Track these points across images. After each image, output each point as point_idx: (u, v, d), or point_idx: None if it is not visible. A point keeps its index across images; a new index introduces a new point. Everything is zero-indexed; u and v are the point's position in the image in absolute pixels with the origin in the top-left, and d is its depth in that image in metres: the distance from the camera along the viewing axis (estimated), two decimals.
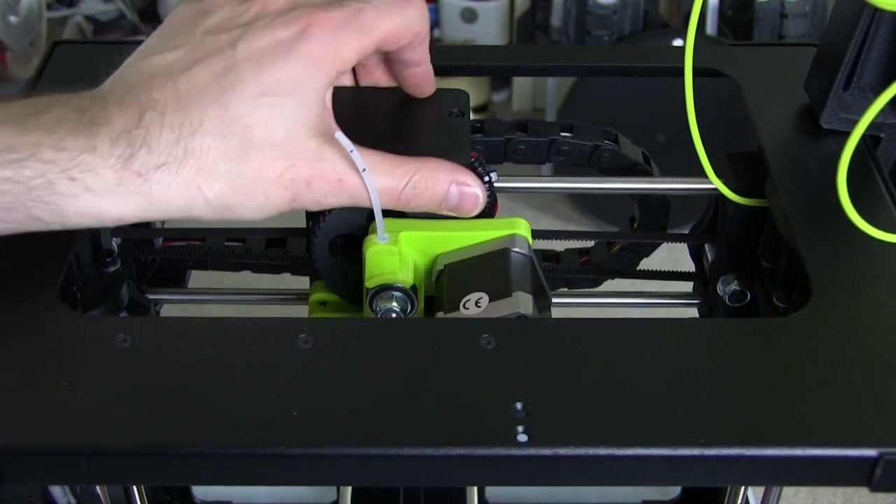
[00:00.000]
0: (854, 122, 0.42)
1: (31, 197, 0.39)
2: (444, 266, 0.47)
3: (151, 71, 0.42)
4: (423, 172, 0.45)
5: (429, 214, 0.47)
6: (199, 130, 0.41)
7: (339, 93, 0.51)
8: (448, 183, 0.45)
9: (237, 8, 0.44)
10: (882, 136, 0.51)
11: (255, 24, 0.43)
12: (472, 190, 0.46)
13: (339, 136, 0.43)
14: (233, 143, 0.41)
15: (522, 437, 0.36)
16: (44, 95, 0.41)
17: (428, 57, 0.49)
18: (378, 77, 0.51)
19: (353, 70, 0.51)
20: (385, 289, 0.46)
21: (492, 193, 0.50)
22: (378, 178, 0.44)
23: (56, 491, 0.55)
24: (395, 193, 0.44)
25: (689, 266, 0.59)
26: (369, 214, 0.46)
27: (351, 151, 0.43)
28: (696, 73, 0.47)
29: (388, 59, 0.50)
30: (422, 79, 0.50)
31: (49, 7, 1.64)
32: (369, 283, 0.46)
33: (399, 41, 0.46)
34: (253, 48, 0.42)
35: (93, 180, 0.39)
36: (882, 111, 0.50)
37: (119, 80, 0.42)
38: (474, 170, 0.49)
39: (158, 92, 0.41)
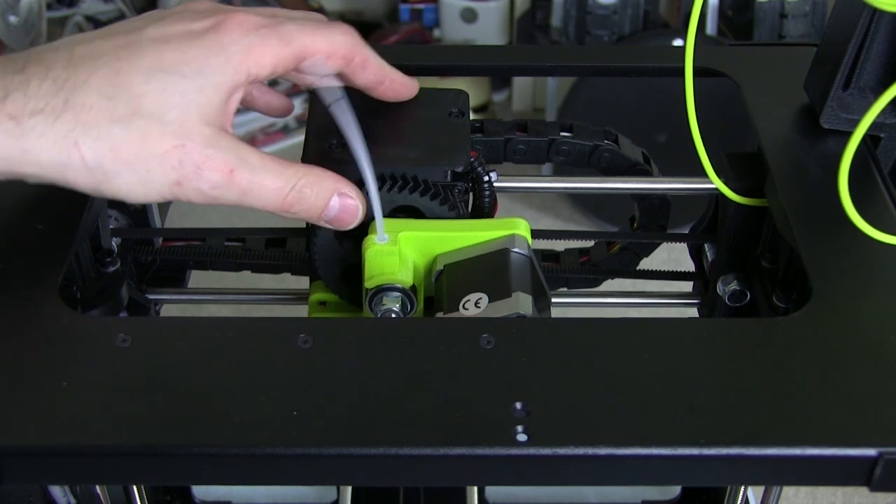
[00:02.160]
0: (854, 122, 0.42)
1: None
2: (444, 266, 0.47)
3: (57, 43, 0.42)
4: (310, 178, 0.44)
5: (414, 211, 0.47)
6: (84, 86, 0.40)
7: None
8: (332, 191, 0.45)
9: (163, 11, 0.44)
10: (882, 136, 0.51)
11: (171, 16, 0.43)
12: (353, 202, 0.45)
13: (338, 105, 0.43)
14: (119, 106, 0.40)
15: (522, 437, 0.36)
16: None
17: (384, 75, 0.48)
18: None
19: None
20: (385, 289, 0.46)
21: (491, 193, 0.50)
22: (267, 176, 0.43)
23: (56, 491, 0.55)
24: (281, 194, 0.43)
25: (689, 266, 0.59)
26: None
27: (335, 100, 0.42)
28: (696, 73, 0.47)
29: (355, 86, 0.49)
30: (393, 92, 0.50)
31: (49, 7, 1.64)
32: (369, 283, 0.46)
33: (325, 61, 0.45)
34: (162, 31, 0.42)
35: None
36: (882, 111, 0.50)
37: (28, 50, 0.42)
38: (474, 169, 0.49)
39: (52, 54, 0.41)
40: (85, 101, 0.40)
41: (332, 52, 0.45)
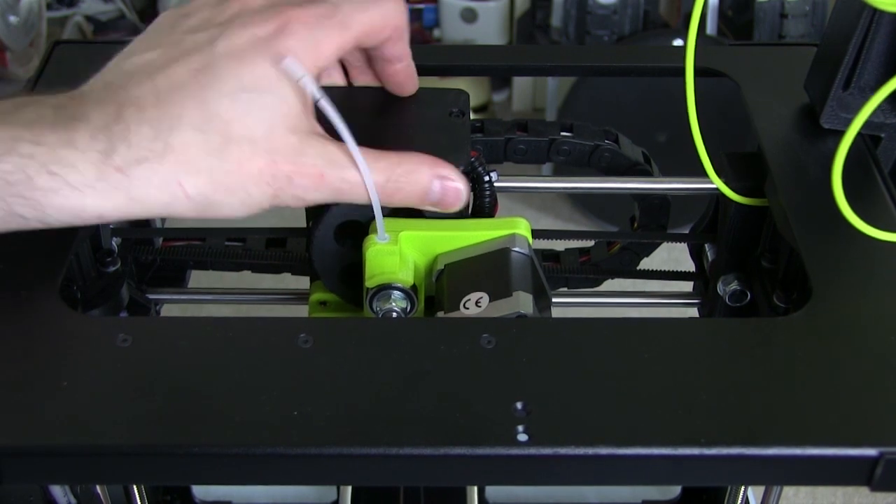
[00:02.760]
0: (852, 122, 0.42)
1: (10, 192, 0.39)
2: (445, 266, 0.47)
3: (130, 70, 0.42)
4: (404, 166, 0.44)
5: (414, 211, 0.47)
6: (179, 126, 0.40)
7: (339, 93, 0.51)
8: (430, 177, 0.45)
9: (215, 9, 0.44)
10: (882, 136, 0.51)
11: (234, 23, 0.43)
12: (454, 184, 0.45)
13: (323, 103, 0.43)
14: (212, 139, 0.41)
15: (523, 437, 0.36)
16: (23, 96, 0.41)
17: (409, 52, 0.49)
18: (369, 79, 0.51)
19: (346, 73, 0.51)
20: (385, 288, 0.46)
21: (492, 193, 0.50)
22: (358, 172, 0.43)
23: (56, 491, 0.55)
24: (378, 188, 0.44)
25: (689, 266, 0.59)
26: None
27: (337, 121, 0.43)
28: (696, 72, 0.47)
29: (370, 57, 0.49)
30: (404, 76, 0.50)
31: (49, 7, 1.64)
32: (369, 282, 0.46)
33: (378, 35, 0.46)
34: (231, 45, 0.42)
35: (72, 175, 0.39)
36: (881, 111, 0.50)
37: (98, 80, 0.42)
38: (474, 169, 0.49)
39: (137, 89, 0.41)
40: (182, 140, 0.40)
41: (384, 25, 0.46)
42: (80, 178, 0.39)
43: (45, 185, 0.39)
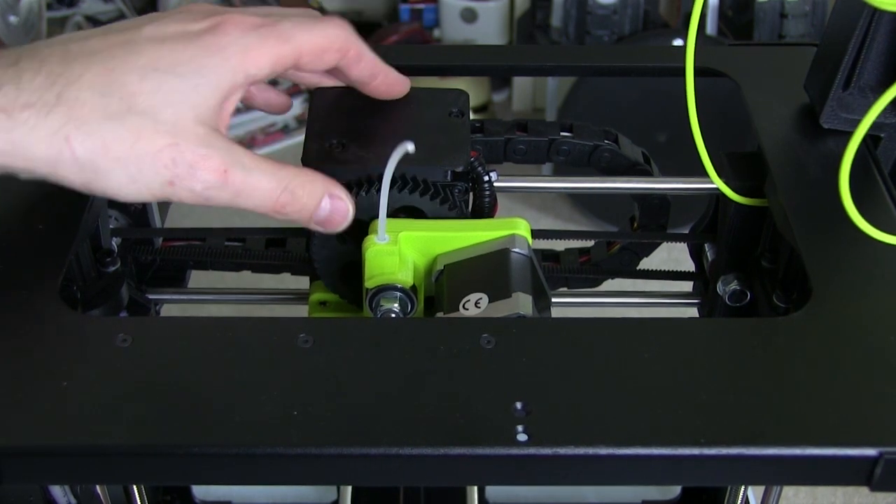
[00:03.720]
0: (854, 122, 0.42)
1: None
2: (444, 266, 0.47)
3: (53, 41, 0.41)
4: (301, 178, 0.44)
5: (414, 211, 0.47)
6: (78, 82, 0.39)
7: (339, 93, 0.51)
8: (323, 192, 0.44)
9: (166, 10, 0.44)
10: (882, 136, 0.51)
11: (170, 16, 0.43)
12: (343, 203, 0.45)
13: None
14: (112, 102, 0.40)
15: (522, 437, 0.36)
16: None
17: (378, 69, 0.48)
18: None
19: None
20: (385, 289, 0.46)
21: (491, 193, 0.50)
22: (261, 176, 0.42)
23: (56, 491, 0.55)
24: (273, 195, 0.43)
25: (689, 266, 0.59)
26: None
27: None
28: (696, 72, 0.47)
29: (348, 82, 0.49)
30: (385, 87, 0.49)
31: (49, 7, 1.64)
32: (369, 283, 0.46)
33: (323, 57, 0.45)
34: (158, 31, 0.42)
35: None
36: (882, 111, 0.50)
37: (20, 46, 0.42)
38: (474, 169, 0.49)
39: (46, 49, 0.40)
40: (78, 96, 0.39)
41: (328, 47, 0.45)
42: None
43: None
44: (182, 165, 0.40)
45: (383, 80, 0.49)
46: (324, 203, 0.44)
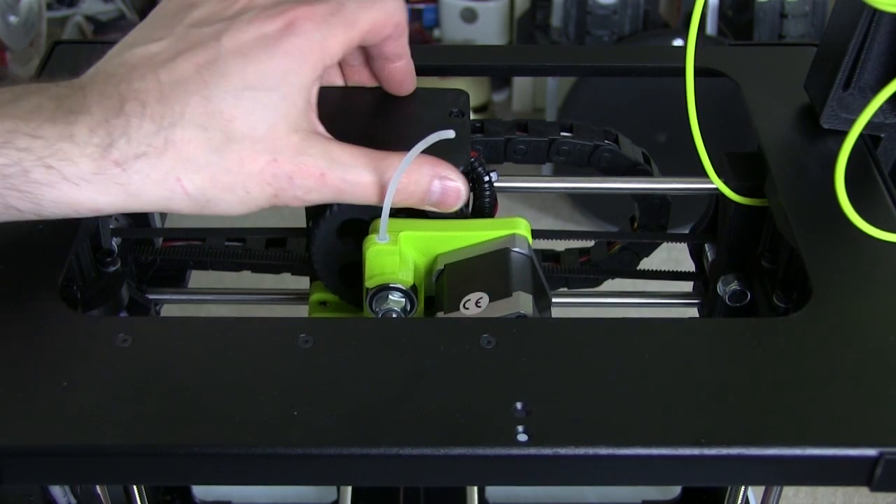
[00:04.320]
0: (854, 122, 0.42)
1: (6, 185, 0.39)
2: (444, 266, 0.47)
3: (134, 62, 0.42)
4: (405, 168, 0.44)
5: (414, 211, 0.47)
6: (181, 122, 0.40)
7: (339, 93, 0.51)
8: (430, 177, 0.45)
9: (222, 2, 0.44)
10: (882, 136, 0.51)
11: (241, 18, 0.42)
12: (454, 184, 0.45)
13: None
14: (214, 136, 0.41)
15: (523, 437, 0.36)
16: (22, 84, 0.40)
17: (408, 50, 0.49)
18: (365, 78, 0.51)
19: (342, 71, 0.51)
20: (385, 289, 0.46)
21: (492, 193, 0.50)
22: (360, 172, 0.43)
23: (56, 491, 0.55)
24: (377, 189, 0.44)
25: (689, 266, 0.59)
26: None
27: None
28: (696, 72, 0.47)
29: (370, 55, 0.49)
30: (403, 73, 0.49)
31: (49, 7, 1.64)
32: (369, 282, 0.46)
33: (381, 32, 0.46)
34: (237, 41, 0.42)
35: (69, 169, 0.39)
36: (882, 111, 0.50)
37: (100, 71, 0.42)
38: (474, 169, 0.49)
39: (140, 83, 0.41)
40: (183, 136, 0.40)
41: (386, 21, 0.45)
42: (76, 171, 0.39)
43: (42, 179, 0.39)
44: (282, 178, 0.42)
45: (405, 65, 0.49)
46: (434, 186, 0.45)
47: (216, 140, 0.41)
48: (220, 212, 0.42)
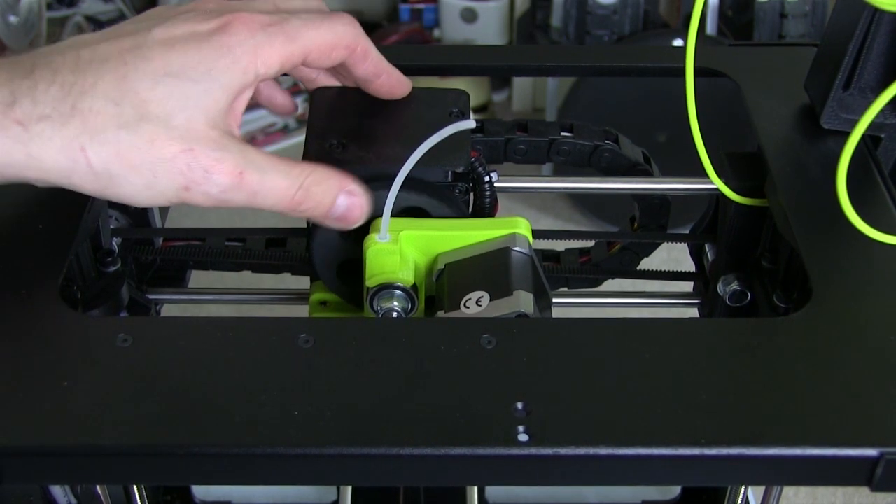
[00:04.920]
0: (854, 123, 0.42)
1: None
2: (445, 265, 0.47)
3: (63, 44, 0.41)
4: (316, 175, 0.44)
5: (415, 211, 0.47)
6: (91, 92, 0.40)
7: (338, 93, 0.51)
8: (338, 189, 0.44)
9: (171, 9, 0.44)
10: (882, 136, 0.51)
11: (178, 17, 0.42)
12: (358, 199, 0.45)
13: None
14: (126, 111, 0.40)
15: (523, 437, 0.36)
16: None
17: (382, 68, 0.48)
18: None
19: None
20: (386, 288, 0.46)
21: (492, 193, 0.50)
22: (276, 176, 0.42)
23: (56, 491, 0.55)
24: (289, 194, 0.43)
25: (689, 266, 0.59)
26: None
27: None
28: (696, 72, 0.47)
29: (349, 77, 0.49)
30: (389, 87, 0.49)
31: (49, 7, 1.64)
32: (370, 282, 0.46)
33: (330, 54, 0.45)
34: (168, 33, 0.41)
35: None
36: (882, 111, 0.50)
37: (31, 52, 0.42)
38: (474, 169, 0.49)
39: (59, 57, 0.40)
40: (92, 105, 0.39)
41: (336, 44, 0.45)
42: None
43: None
44: (197, 170, 0.41)
45: (386, 79, 0.49)
46: (340, 200, 0.44)
47: (127, 115, 0.40)
48: (124, 195, 0.41)
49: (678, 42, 1.42)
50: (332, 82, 0.51)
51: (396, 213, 0.47)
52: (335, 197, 0.44)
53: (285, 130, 1.78)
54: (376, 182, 0.46)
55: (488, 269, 0.46)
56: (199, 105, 0.41)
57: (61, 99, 0.39)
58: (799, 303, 0.45)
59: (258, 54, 0.42)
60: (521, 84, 1.71)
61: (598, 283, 0.59)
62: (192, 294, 0.59)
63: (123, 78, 0.40)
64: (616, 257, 0.58)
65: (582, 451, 0.36)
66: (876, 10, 0.48)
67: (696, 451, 0.36)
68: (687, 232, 0.59)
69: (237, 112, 0.43)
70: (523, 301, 0.44)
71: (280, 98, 0.51)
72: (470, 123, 0.44)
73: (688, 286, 0.59)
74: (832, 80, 0.50)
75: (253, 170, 0.42)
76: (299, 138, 1.66)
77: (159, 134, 0.40)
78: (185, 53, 0.41)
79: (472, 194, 0.50)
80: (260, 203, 0.43)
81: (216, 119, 0.41)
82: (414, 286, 0.47)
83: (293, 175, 0.43)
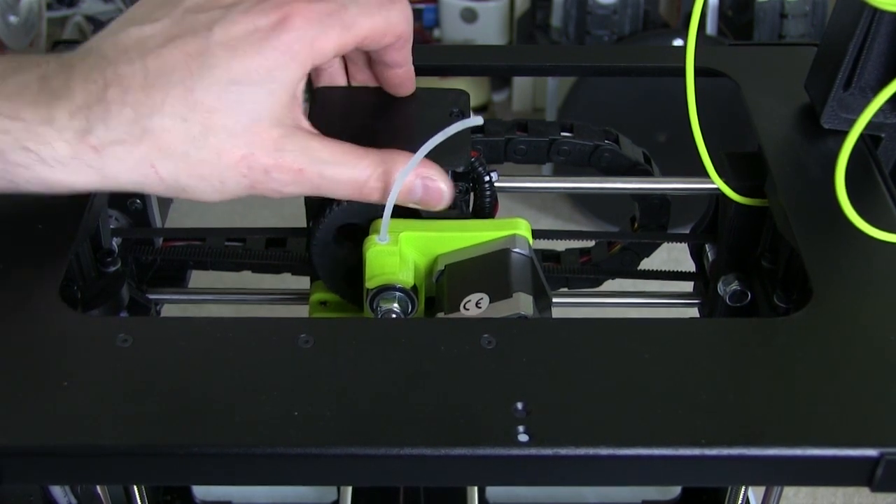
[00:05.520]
0: (854, 122, 0.42)
1: None
2: (445, 266, 0.47)
3: (127, 44, 0.42)
4: (387, 165, 0.44)
5: (414, 212, 0.47)
6: (160, 112, 0.40)
7: (339, 93, 0.51)
8: (413, 176, 0.45)
9: None
10: (882, 135, 0.51)
11: (236, 8, 0.42)
12: (436, 185, 0.46)
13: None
14: (192, 127, 0.41)
15: (523, 437, 0.36)
16: (14, 57, 0.41)
17: (410, 59, 0.49)
18: (367, 78, 0.51)
19: (346, 68, 0.51)
20: (385, 289, 0.46)
21: (492, 193, 0.50)
22: (341, 169, 0.43)
23: (56, 491, 0.55)
24: (356, 186, 0.44)
25: (689, 266, 0.59)
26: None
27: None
28: (696, 72, 0.47)
29: (371, 58, 0.49)
30: (402, 79, 0.50)
31: (49, 7, 1.64)
32: (370, 283, 0.46)
33: (380, 41, 0.45)
34: (229, 33, 0.41)
35: (47, 152, 0.40)
36: (882, 111, 0.50)
37: (93, 49, 0.42)
38: (474, 169, 0.49)
39: (127, 67, 0.41)
40: (162, 125, 0.40)
41: (387, 31, 0.45)
42: (53, 154, 0.40)
43: (19, 161, 0.40)
44: (258, 171, 0.42)
45: (405, 72, 0.49)
46: (416, 184, 0.45)
47: (194, 131, 0.41)
48: (196, 198, 0.43)
49: (678, 42, 1.42)
50: (340, 73, 0.51)
51: (396, 212, 0.47)
52: (411, 184, 0.45)
53: None
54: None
55: (488, 270, 0.46)
56: (263, 108, 0.42)
57: (132, 122, 0.40)
58: (799, 303, 0.45)
59: (315, 47, 0.42)
60: (521, 84, 1.71)
61: (599, 283, 0.59)
62: (192, 294, 0.59)
63: (190, 91, 0.41)
64: (616, 257, 0.58)
65: (582, 451, 0.36)
66: (876, 10, 0.48)
67: (696, 451, 0.36)
68: (687, 232, 0.59)
69: (298, 100, 0.44)
70: (523, 303, 0.44)
71: (338, 71, 0.51)
72: (478, 120, 0.44)
73: (688, 286, 0.59)
74: (832, 80, 0.50)
75: (314, 165, 0.43)
76: None
77: (224, 144, 0.41)
78: (247, 57, 0.41)
79: (472, 194, 0.50)
80: (327, 193, 0.44)
81: (280, 117, 0.42)
82: (414, 287, 0.47)
83: (360, 167, 0.44)
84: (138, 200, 0.56)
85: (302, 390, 0.38)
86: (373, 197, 0.45)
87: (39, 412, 0.37)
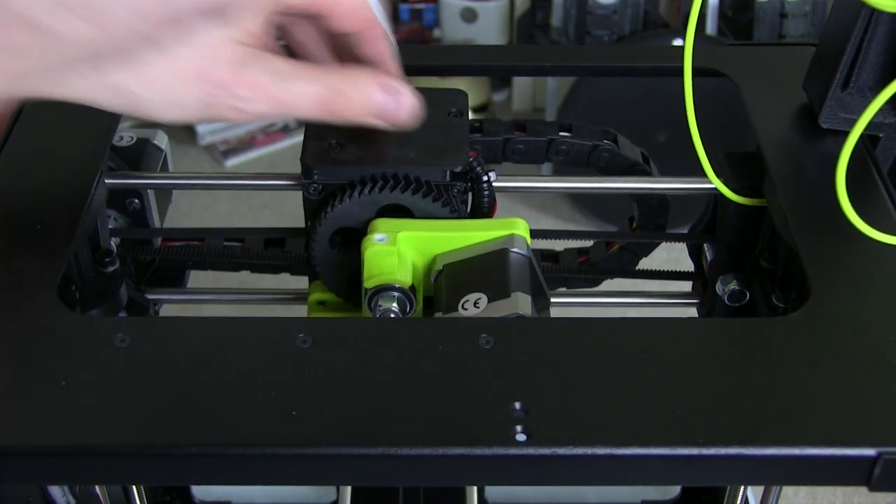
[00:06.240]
0: (853, 122, 0.42)
1: None
2: (443, 266, 0.47)
3: None
4: (343, 73, 0.43)
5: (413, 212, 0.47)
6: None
7: None
8: (371, 84, 0.43)
9: None
10: (881, 135, 0.51)
11: None
12: (398, 96, 0.44)
13: None
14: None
15: (521, 437, 0.36)
16: None
17: (388, 55, 0.47)
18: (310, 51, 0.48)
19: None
20: (384, 289, 0.46)
21: (490, 193, 0.50)
22: (301, 83, 0.42)
23: (56, 491, 0.55)
24: (318, 98, 0.42)
25: (688, 266, 0.59)
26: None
27: None
28: (696, 73, 0.47)
29: (354, 58, 0.48)
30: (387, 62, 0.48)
31: None
32: (368, 283, 0.46)
33: (342, 17, 0.44)
34: None
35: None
36: (881, 111, 0.50)
37: None
38: (473, 169, 0.49)
39: None
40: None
41: (354, 13, 0.44)
42: None
43: None
44: (216, 85, 0.40)
45: (388, 71, 0.48)
46: (376, 95, 0.43)
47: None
48: (149, 115, 0.41)
49: (678, 42, 1.42)
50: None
51: (380, 210, 0.47)
52: (369, 93, 0.43)
53: (285, 130, 1.78)
54: (380, 181, 0.46)
55: (486, 270, 0.46)
56: (227, 28, 0.40)
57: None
58: (797, 302, 0.45)
59: None
60: (521, 84, 1.71)
61: (597, 282, 0.59)
62: (191, 294, 0.59)
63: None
64: (615, 257, 0.58)
65: (580, 450, 0.36)
66: (874, 10, 0.48)
67: (694, 450, 0.36)
68: (686, 232, 0.59)
69: (268, 34, 0.42)
70: (521, 303, 0.44)
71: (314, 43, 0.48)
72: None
73: (686, 286, 0.59)
74: (830, 80, 0.50)
75: (276, 78, 0.41)
76: (299, 138, 1.66)
77: (180, 55, 0.39)
78: None
79: (470, 194, 0.50)
80: (290, 111, 0.42)
81: (243, 38, 0.41)
82: (412, 287, 0.47)
83: (316, 76, 0.42)
84: (137, 200, 0.57)
85: (300, 390, 0.38)
86: (334, 110, 0.43)
87: (38, 412, 0.37)
